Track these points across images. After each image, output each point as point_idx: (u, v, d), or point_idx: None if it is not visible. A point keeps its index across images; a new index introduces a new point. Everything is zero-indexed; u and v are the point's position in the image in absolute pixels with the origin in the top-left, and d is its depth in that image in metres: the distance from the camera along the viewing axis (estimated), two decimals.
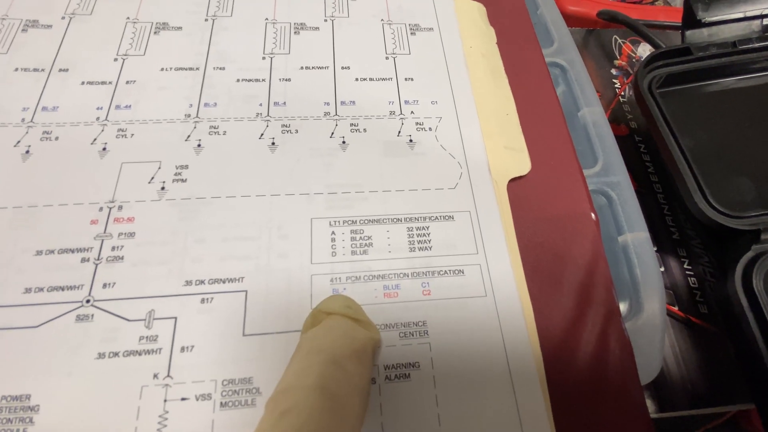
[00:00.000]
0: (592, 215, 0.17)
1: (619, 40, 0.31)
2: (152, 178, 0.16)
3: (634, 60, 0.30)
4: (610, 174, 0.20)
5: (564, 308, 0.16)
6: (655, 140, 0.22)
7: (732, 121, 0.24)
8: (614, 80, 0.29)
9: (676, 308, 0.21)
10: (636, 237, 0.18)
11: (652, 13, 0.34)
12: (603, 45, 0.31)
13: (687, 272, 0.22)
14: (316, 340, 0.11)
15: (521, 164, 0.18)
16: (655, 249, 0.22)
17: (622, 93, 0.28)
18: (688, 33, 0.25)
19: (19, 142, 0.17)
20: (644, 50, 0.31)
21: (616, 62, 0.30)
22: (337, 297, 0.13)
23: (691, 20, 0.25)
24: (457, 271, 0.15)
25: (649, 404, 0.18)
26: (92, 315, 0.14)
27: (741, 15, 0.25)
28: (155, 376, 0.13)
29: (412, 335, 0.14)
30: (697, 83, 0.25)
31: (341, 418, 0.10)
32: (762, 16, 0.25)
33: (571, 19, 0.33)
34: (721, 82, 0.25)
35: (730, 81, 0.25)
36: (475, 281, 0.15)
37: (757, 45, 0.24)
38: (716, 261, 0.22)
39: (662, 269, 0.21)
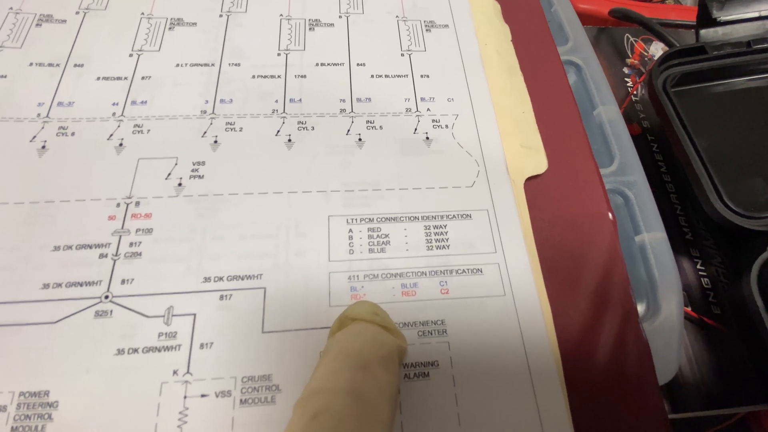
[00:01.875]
0: (609, 215, 0.17)
1: (631, 39, 0.31)
2: (169, 174, 0.16)
3: (646, 59, 0.30)
4: (626, 173, 0.20)
5: (582, 308, 0.15)
6: (670, 140, 0.22)
7: (747, 121, 0.24)
8: (626, 79, 0.29)
9: (689, 309, 0.20)
10: (653, 237, 0.18)
11: (663, 11, 0.34)
12: (615, 43, 0.31)
13: (700, 273, 0.22)
14: (345, 343, 0.11)
15: (538, 163, 0.18)
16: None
17: (635, 92, 0.28)
18: (703, 32, 0.25)
19: (35, 137, 0.17)
20: (656, 49, 0.31)
21: (629, 61, 0.30)
22: (363, 303, 0.13)
23: (705, 19, 0.25)
24: (475, 270, 0.15)
25: None
26: (111, 311, 0.14)
27: (756, 14, 0.25)
28: (175, 372, 0.13)
29: (431, 334, 0.14)
30: (711, 82, 0.25)
31: (372, 424, 0.10)
32: None
33: (582, 17, 0.33)
34: (736, 82, 0.25)
35: (744, 80, 0.25)
36: (494, 280, 0.15)
37: None
38: (730, 262, 0.22)
39: None
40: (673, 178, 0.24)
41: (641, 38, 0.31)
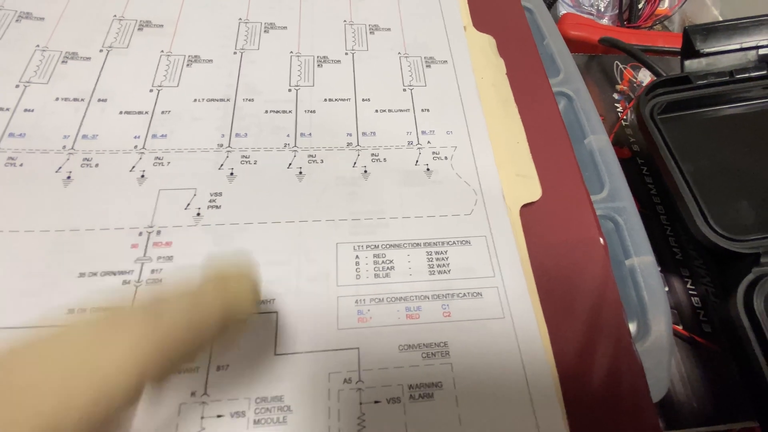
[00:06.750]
0: (601, 240, 0.18)
1: (621, 66, 0.33)
2: (188, 204, 0.17)
3: (635, 84, 0.32)
4: (616, 199, 0.21)
5: (577, 330, 0.16)
6: (657, 165, 0.23)
7: (730, 147, 0.25)
8: (616, 104, 0.30)
9: (680, 327, 0.21)
10: (642, 261, 0.19)
11: (651, 38, 0.35)
12: (605, 70, 0.32)
13: (690, 292, 0.22)
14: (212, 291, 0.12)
15: (532, 190, 0.19)
16: (659, 269, 0.23)
17: (624, 117, 0.30)
18: (687, 63, 0.26)
19: (60, 168, 0.18)
20: (644, 75, 0.32)
21: (618, 87, 0.31)
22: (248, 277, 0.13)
23: (690, 51, 0.26)
24: (475, 294, 0.16)
25: None
26: None
27: (737, 46, 0.26)
28: (193, 393, 0.14)
29: (434, 356, 0.15)
30: (696, 110, 0.26)
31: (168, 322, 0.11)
32: (757, 47, 0.26)
33: (573, 44, 0.34)
34: (720, 110, 0.26)
35: (728, 108, 0.26)
36: (493, 303, 0.16)
37: (753, 74, 0.26)
38: (718, 282, 0.23)
39: (666, 289, 0.22)
40: (662, 200, 0.26)
41: (630, 65, 0.32)
